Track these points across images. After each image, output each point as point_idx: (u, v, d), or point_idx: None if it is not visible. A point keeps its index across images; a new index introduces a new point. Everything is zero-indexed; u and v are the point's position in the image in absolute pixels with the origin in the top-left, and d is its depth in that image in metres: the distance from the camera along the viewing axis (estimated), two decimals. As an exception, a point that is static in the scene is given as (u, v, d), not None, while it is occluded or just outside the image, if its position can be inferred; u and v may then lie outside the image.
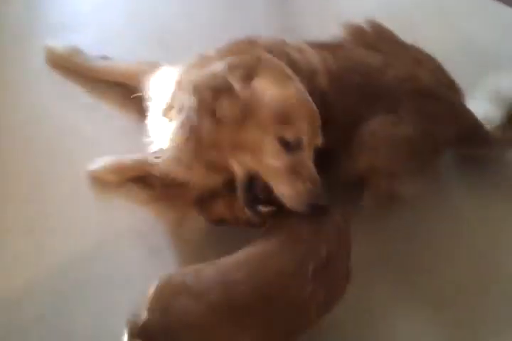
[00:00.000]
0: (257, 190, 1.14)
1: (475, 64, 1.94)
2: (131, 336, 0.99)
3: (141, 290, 1.27)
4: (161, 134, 1.24)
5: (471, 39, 2.06)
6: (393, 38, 1.47)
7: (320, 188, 1.09)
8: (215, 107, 1.09)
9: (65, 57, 1.68)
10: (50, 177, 1.48)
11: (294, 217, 1.10)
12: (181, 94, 1.17)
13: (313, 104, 1.13)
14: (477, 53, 2.01)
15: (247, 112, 1.07)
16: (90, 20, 1.93)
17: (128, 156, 1.45)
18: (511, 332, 1.33)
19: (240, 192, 1.16)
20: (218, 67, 1.11)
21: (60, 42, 1.73)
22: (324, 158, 1.18)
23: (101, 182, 1.46)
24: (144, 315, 0.98)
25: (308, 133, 1.10)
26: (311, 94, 1.16)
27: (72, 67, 1.68)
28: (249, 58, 1.13)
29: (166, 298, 1.00)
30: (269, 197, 1.12)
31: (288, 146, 1.08)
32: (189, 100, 1.11)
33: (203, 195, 1.29)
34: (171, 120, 1.20)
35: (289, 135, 1.07)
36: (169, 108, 1.22)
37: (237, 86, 1.07)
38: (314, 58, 1.32)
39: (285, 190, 1.09)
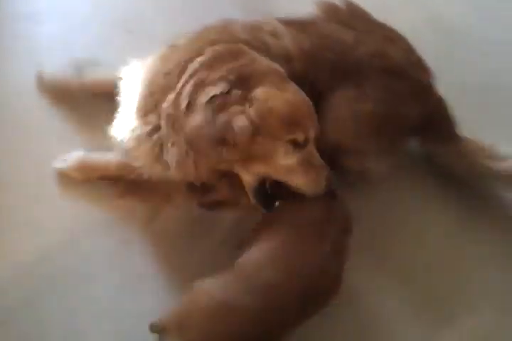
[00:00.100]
0: (268, 190, 1.19)
1: (443, 43, 1.94)
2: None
3: (109, 281, 1.31)
4: (131, 136, 1.24)
5: (438, 17, 2.05)
6: (366, 16, 1.47)
7: (329, 172, 1.15)
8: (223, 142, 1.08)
9: (56, 81, 1.61)
10: (15, 172, 1.46)
11: (301, 203, 1.17)
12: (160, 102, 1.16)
13: (307, 97, 1.15)
14: (445, 31, 1.99)
15: (257, 128, 1.07)
16: (54, 9, 1.88)
17: (97, 155, 1.44)
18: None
19: (252, 197, 1.20)
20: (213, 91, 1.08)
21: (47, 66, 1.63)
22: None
23: (66, 178, 1.44)
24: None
25: (312, 126, 1.14)
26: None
27: (65, 90, 1.60)
28: (238, 68, 1.11)
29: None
30: (281, 192, 1.18)
31: (298, 145, 1.12)
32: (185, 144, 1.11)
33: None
34: (146, 124, 1.20)
35: (300, 136, 1.11)
36: (141, 111, 1.21)
37: (239, 109, 1.07)
38: (289, 42, 1.32)
39: (302, 182, 1.14)
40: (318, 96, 1.28)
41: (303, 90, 1.16)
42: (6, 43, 1.73)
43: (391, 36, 1.43)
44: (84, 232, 1.38)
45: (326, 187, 1.15)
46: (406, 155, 1.57)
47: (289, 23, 1.37)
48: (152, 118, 1.18)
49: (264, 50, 1.24)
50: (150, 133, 1.19)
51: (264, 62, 1.16)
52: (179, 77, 1.14)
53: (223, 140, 1.06)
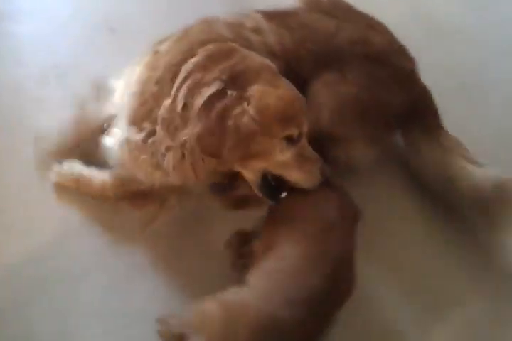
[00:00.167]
0: (272, 182, 1.19)
1: (424, 32, 1.93)
2: None
3: (98, 282, 1.30)
4: (126, 147, 1.24)
5: (427, 13, 2.03)
6: (347, 6, 1.47)
7: (323, 163, 1.16)
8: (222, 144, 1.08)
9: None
10: (2, 173, 1.44)
11: (307, 196, 1.17)
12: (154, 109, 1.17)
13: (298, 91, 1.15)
14: (426, 21, 1.99)
15: (254, 125, 1.07)
16: (33, 9, 1.85)
17: (93, 172, 1.40)
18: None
19: (258, 191, 1.20)
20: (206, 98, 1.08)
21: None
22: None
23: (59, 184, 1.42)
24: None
25: (305, 120, 1.14)
26: None
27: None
28: (232, 67, 1.10)
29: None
30: (284, 185, 1.18)
31: (292, 141, 1.12)
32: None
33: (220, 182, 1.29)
34: (141, 130, 1.20)
35: (294, 132, 1.11)
36: (135, 120, 1.21)
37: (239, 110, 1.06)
38: (271, 38, 1.32)
39: (298, 176, 1.15)
40: (302, 88, 1.27)
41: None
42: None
43: (373, 24, 1.43)
44: (73, 233, 1.36)
45: (322, 177, 1.15)
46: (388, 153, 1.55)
47: (271, 17, 1.37)
48: (146, 124, 1.18)
49: (248, 47, 1.23)
50: (145, 140, 1.19)
51: (256, 58, 1.16)
52: (172, 81, 1.13)
53: (236, 143, 1.07)
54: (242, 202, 1.32)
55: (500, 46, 1.96)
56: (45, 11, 1.85)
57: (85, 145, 1.45)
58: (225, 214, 1.37)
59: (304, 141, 1.16)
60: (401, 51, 1.43)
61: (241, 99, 1.06)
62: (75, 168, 1.40)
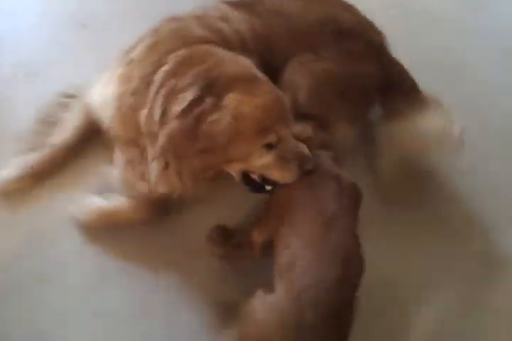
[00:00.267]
0: (254, 179, 1.22)
1: (409, 24, 1.91)
2: None
3: (73, 281, 1.29)
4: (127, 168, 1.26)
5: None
6: None
7: (307, 155, 1.14)
8: (196, 145, 1.09)
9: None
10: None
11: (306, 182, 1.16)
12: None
13: (278, 91, 1.15)
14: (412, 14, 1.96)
15: (229, 134, 1.08)
16: (2, 7, 1.83)
17: (109, 200, 1.35)
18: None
19: (243, 186, 1.23)
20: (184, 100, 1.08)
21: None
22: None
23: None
24: None
25: (285, 123, 1.14)
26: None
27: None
28: (206, 73, 1.10)
29: None
30: (268, 179, 1.19)
31: (272, 146, 1.12)
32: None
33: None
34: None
35: (273, 139, 1.11)
36: (125, 137, 1.22)
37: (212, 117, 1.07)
38: (241, 25, 1.31)
39: (279, 175, 1.15)
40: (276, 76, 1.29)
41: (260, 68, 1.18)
42: None
43: (338, 3, 1.45)
44: (48, 233, 1.35)
45: (301, 172, 1.14)
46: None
47: (237, 6, 1.36)
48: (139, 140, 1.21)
49: (222, 39, 1.24)
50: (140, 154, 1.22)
51: (231, 62, 1.14)
52: (147, 91, 1.14)
53: (204, 148, 1.09)
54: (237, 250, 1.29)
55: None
56: (14, 8, 1.83)
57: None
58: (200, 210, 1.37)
59: (286, 143, 1.14)
60: (370, 26, 1.44)
61: (217, 106, 1.06)
62: (94, 202, 1.35)
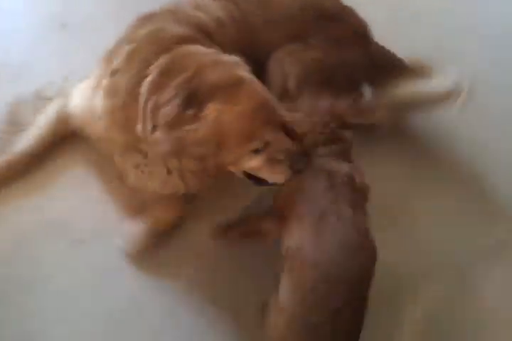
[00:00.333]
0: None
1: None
2: None
3: (63, 282, 1.28)
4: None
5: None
6: None
7: (298, 154, 1.14)
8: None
9: None
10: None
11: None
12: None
13: (264, 93, 1.13)
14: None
15: (211, 143, 1.09)
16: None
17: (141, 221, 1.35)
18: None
19: (247, 180, 1.23)
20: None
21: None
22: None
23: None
24: None
25: (271, 126, 1.12)
26: (223, 46, 1.21)
27: None
28: (187, 84, 1.08)
29: None
30: None
31: (259, 150, 1.12)
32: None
33: None
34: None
35: (259, 145, 1.10)
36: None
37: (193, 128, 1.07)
38: (218, 12, 1.30)
39: (270, 177, 1.16)
40: (261, 60, 1.30)
41: (240, 56, 1.17)
42: None
43: None
44: (37, 234, 1.34)
45: (293, 172, 1.14)
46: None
47: None
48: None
49: (201, 30, 1.23)
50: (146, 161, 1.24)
51: (212, 66, 1.11)
52: (136, 104, 1.14)
53: (194, 156, 1.11)
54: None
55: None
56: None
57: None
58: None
59: (274, 144, 1.13)
60: (350, 12, 1.44)
61: (196, 117, 1.06)
62: (138, 229, 1.33)
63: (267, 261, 1.24)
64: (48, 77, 1.55)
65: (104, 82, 1.21)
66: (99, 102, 1.22)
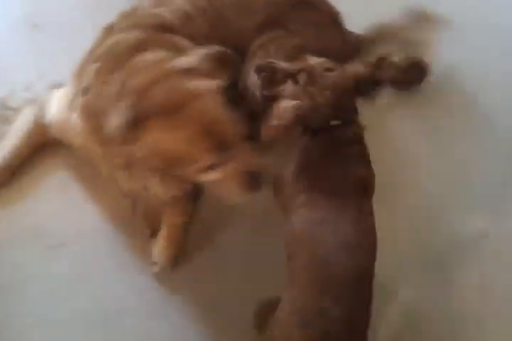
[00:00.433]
0: None
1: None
2: None
3: (43, 287, 1.28)
4: None
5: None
6: None
7: (254, 173, 1.09)
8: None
9: None
10: None
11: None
12: None
13: (213, 108, 1.06)
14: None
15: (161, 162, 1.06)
16: None
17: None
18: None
19: None
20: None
21: None
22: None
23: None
24: None
25: (220, 147, 1.05)
26: (194, 39, 1.18)
27: None
28: (132, 105, 1.02)
29: None
30: None
31: (214, 166, 1.07)
32: None
33: None
34: None
35: (203, 164, 1.05)
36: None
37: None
38: (184, 5, 1.26)
39: (227, 194, 1.12)
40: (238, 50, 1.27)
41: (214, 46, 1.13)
42: None
43: None
44: (16, 239, 1.33)
45: (253, 189, 1.10)
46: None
47: None
48: None
49: (164, 28, 1.19)
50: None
51: (160, 87, 1.03)
52: None
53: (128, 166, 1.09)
54: None
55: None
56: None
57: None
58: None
59: (230, 161, 1.08)
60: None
61: (136, 139, 1.02)
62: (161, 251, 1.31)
63: (260, 261, 1.26)
64: (20, 81, 1.52)
65: (78, 101, 1.17)
66: (77, 122, 1.18)
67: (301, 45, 1.32)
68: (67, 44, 1.62)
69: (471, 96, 1.66)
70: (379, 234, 1.05)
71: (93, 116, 1.12)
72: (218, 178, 1.08)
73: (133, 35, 1.15)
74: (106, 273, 1.30)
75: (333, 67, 1.07)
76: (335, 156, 1.09)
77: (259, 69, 1.07)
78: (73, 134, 1.24)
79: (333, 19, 1.42)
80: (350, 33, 1.49)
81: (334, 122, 1.08)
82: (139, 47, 1.12)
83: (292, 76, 1.06)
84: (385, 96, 1.54)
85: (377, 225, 1.06)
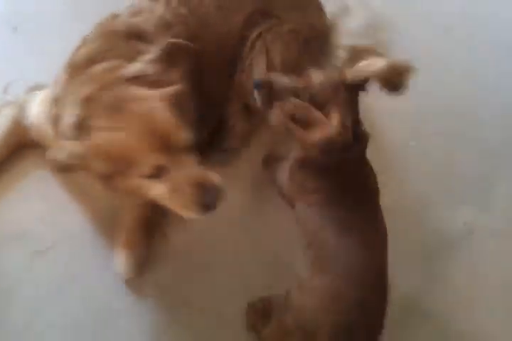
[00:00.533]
0: None
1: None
2: None
3: (30, 296, 1.26)
4: None
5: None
6: None
7: (207, 185, 1.04)
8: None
9: None
10: None
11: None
12: None
13: (150, 112, 1.03)
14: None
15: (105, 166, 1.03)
16: None
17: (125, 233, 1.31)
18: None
19: None
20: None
21: None
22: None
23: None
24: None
25: (164, 151, 1.02)
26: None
27: None
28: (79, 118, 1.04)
29: None
30: None
31: (153, 176, 1.02)
32: None
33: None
34: None
35: (145, 171, 1.01)
36: None
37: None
38: (164, 13, 1.25)
39: (178, 210, 1.07)
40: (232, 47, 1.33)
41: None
42: None
43: None
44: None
45: (207, 209, 1.05)
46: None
47: None
48: None
49: (140, 34, 1.18)
50: None
51: (106, 93, 1.04)
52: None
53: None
54: None
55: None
56: None
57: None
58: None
59: (175, 171, 1.03)
60: None
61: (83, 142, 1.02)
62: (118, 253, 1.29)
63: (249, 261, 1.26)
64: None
65: (51, 110, 1.15)
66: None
67: (294, 29, 1.38)
68: (46, 46, 1.62)
69: (453, 92, 1.68)
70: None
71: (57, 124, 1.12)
72: (165, 192, 1.04)
73: (95, 46, 1.16)
74: (94, 275, 1.29)
75: (336, 83, 1.03)
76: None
77: (257, 86, 1.06)
78: (51, 140, 1.21)
79: (316, 3, 1.48)
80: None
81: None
82: (98, 57, 1.12)
83: (293, 93, 1.04)
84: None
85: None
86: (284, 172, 1.19)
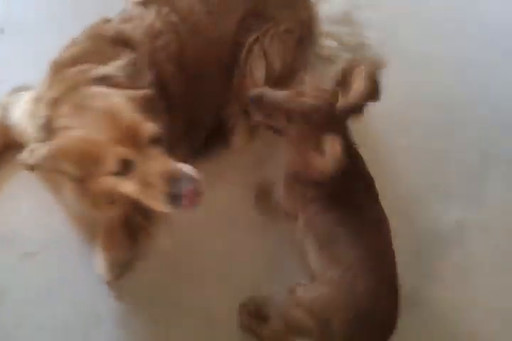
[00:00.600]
0: None
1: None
2: None
3: (20, 298, 1.25)
4: None
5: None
6: None
7: (178, 177, 1.02)
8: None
9: None
10: None
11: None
12: None
13: (113, 109, 1.03)
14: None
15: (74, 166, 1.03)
16: None
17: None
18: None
19: None
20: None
21: None
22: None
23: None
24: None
25: (130, 145, 1.01)
26: (162, 52, 1.21)
27: None
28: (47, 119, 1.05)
29: None
30: None
31: (120, 172, 1.02)
32: None
33: None
34: None
35: (111, 167, 1.01)
36: None
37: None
38: (154, 21, 1.26)
39: (151, 204, 1.06)
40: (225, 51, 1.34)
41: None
42: None
43: None
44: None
45: (175, 205, 1.03)
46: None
47: (145, 2, 1.31)
48: None
49: (127, 41, 1.19)
50: None
51: (74, 93, 1.05)
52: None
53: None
54: None
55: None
56: None
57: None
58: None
59: (142, 165, 1.02)
60: None
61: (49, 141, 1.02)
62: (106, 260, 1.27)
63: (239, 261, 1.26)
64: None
65: (33, 109, 1.15)
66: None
67: (289, 28, 1.40)
68: (32, 48, 1.62)
69: (442, 91, 1.69)
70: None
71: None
72: (136, 187, 1.03)
73: (82, 47, 1.17)
74: (84, 277, 1.28)
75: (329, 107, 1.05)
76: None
77: (250, 99, 1.10)
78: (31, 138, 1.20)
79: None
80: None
81: None
82: (82, 58, 1.13)
83: (285, 113, 1.07)
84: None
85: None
86: (279, 191, 1.21)
